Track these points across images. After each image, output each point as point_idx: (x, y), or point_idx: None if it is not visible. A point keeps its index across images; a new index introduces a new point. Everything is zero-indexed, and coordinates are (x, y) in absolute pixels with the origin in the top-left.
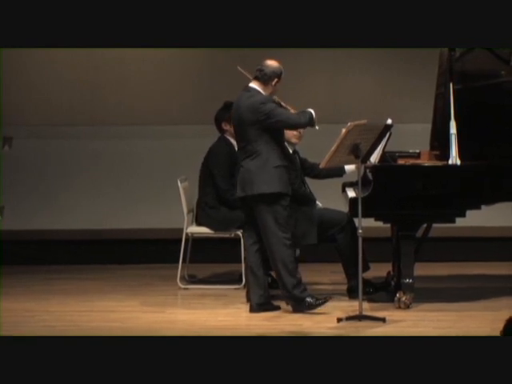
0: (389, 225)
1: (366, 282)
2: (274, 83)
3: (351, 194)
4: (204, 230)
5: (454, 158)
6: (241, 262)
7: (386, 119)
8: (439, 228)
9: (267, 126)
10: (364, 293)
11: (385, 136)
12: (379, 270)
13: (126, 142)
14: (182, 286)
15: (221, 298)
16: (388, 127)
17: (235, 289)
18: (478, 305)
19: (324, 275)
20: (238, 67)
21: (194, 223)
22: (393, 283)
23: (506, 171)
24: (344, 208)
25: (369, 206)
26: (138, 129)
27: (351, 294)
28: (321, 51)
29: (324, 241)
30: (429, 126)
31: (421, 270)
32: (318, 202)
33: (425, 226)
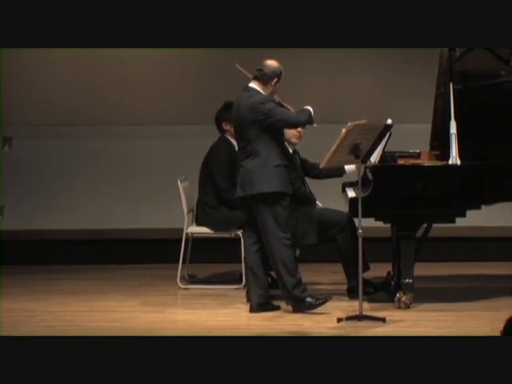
0: (389, 225)
1: (365, 282)
2: (273, 83)
3: (351, 194)
4: (204, 230)
5: (454, 158)
6: (241, 262)
7: (386, 119)
8: (439, 228)
9: (267, 126)
10: (364, 293)
11: (385, 136)
12: (379, 270)
13: (126, 142)
14: (182, 286)
15: (221, 298)
16: (388, 127)
17: (235, 289)
18: (478, 305)
19: (324, 275)
20: (236, 64)
21: (194, 223)
22: (393, 283)
23: (506, 171)
24: (344, 208)
25: (369, 205)
26: (137, 129)
27: (351, 294)
28: (321, 51)
29: (324, 241)
30: (429, 126)
31: (421, 270)
32: (318, 202)
33: (425, 226)
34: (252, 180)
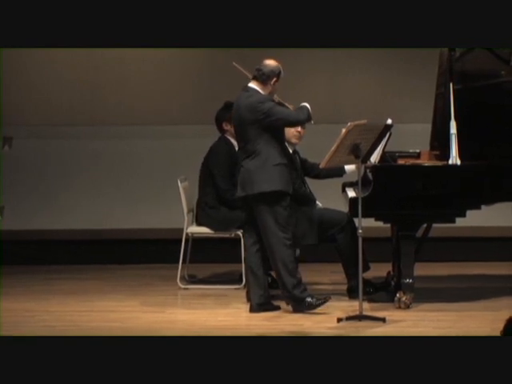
0: (389, 225)
1: (365, 282)
2: (272, 82)
3: (351, 193)
4: (204, 230)
5: (454, 158)
6: (241, 262)
7: (386, 119)
8: (439, 228)
9: (267, 125)
10: (364, 293)
11: (385, 136)
12: (379, 270)
13: (126, 142)
14: (182, 286)
15: (221, 298)
16: (388, 127)
17: (235, 289)
18: (478, 305)
19: (324, 275)
20: (234, 63)
21: (194, 223)
22: (393, 283)
23: (506, 171)
24: (344, 208)
25: (369, 206)
26: (137, 129)
27: (351, 294)
28: (321, 51)
29: (324, 241)
30: (429, 126)
31: (421, 270)
32: (318, 202)
33: (425, 226)
34: (252, 180)
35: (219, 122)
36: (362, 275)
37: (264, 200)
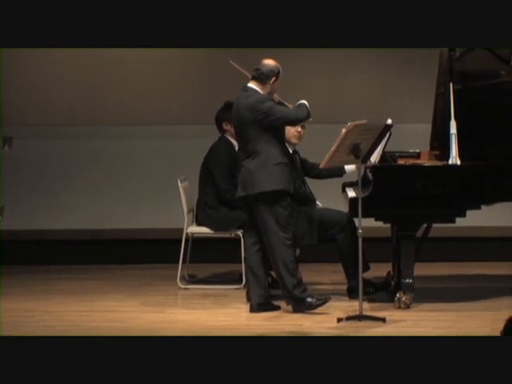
0: (389, 225)
1: (365, 282)
2: (271, 82)
3: (351, 193)
4: (204, 230)
5: (454, 158)
6: (241, 262)
7: (386, 119)
8: (439, 228)
9: (267, 125)
10: (364, 293)
11: (385, 136)
12: (379, 270)
13: (126, 142)
14: (182, 286)
15: (221, 298)
16: (388, 127)
17: (235, 289)
18: (478, 305)
19: (324, 275)
20: (231, 61)
21: (194, 223)
22: (393, 283)
23: (506, 171)
24: (344, 208)
25: (369, 206)
26: (137, 129)
27: (351, 294)
28: (321, 51)
29: (324, 241)
30: (429, 126)
31: (421, 270)
32: (318, 202)
33: (425, 226)
34: (253, 180)
35: (219, 122)
36: (361, 275)
37: (264, 200)
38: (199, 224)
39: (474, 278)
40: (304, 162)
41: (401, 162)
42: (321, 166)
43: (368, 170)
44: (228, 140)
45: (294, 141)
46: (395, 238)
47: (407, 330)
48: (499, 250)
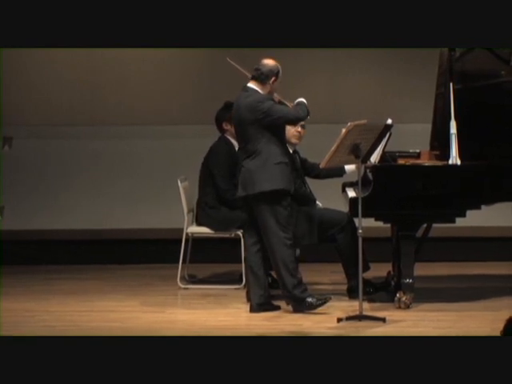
0: (389, 225)
1: (365, 282)
2: (271, 82)
3: (351, 193)
4: (204, 230)
5: (454, 158)
6: (241, 262)
7: (386, 119)
8: (439, 228)
9: (268, 124)
10: (364, 293)
11: (385, 136)
12: (379, 270)
13: (126, 141)
14: (182, 286)
15: (221, 298)
16: (388, 127)
17: (235, 289)
18: (478, 305)
19: (324, 275)
20: (228, 58)
21: (194, 223)
22: (393, 283)
23: (506, 171)
24: (344, 208)
25: (369, 206)
26: (137, 129)
27: (351, 294)
28: (321, 51)
29: (324, 241)
30: (429, 126)
31: (421, 270)
32: (318, 202)
33: (425, 226)
34: (253, 179)
35: (219, 122)
36: (361, 275)
37: (265, 199)
38: (199, 224)
39: (474, 278)
40: (304, 161)
41: (401, 161)
42: (321, 166)
43: (368, 170)
44: (228, 140)
45: (294, 141)
46: (395, 238)
47: (407, 330)
48: (499, 250)
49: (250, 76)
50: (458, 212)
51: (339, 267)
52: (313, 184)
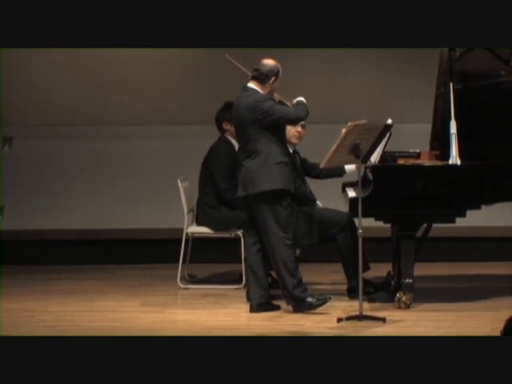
0: (389, 225)
1: (366, 282)
2: (271, 82)
3: (351, 193)
4: (204, 230)
5: (454, 158)
6: (241, 262)
7: (386, 119)
8: (439, 228)
9: (267, 124)
10: (364, 293)
11: (385, 136)
12: (379, 270)
13: (126, 142)
14: (182, 286)
15: (221, 298)
16: (388, 127)
17: (235, 289)
18: (478, 305)
19: (324, 275)
20: (227, 55)
21: (194, 223)
22: (393, 283)
23: (506, 171)
24: (344, 208)
25: (369, 206)
26: (137, 129)
27: (351, 294)
28: (321, 51)
29: (324, 241)
30: (429, 126)
31: (421, 270)
32: (318, 202)
33: (425, 225)
34: (253, 179)
35: (219, 121)
36: (361, 275)
37: (265, 199)
38: (199, 224)
39: (474, 278)
40: (304, 161)
41: (401, 161)
42: (321, 166)
43: (368, 170)
44: (228, 140)
45: (294, 141)
46: (395, 238)
47: (407, 330)
48: (499, 250)
49: (249, 73)
50: (458, 212)
51: (339, 267)
52: (313, 184)
